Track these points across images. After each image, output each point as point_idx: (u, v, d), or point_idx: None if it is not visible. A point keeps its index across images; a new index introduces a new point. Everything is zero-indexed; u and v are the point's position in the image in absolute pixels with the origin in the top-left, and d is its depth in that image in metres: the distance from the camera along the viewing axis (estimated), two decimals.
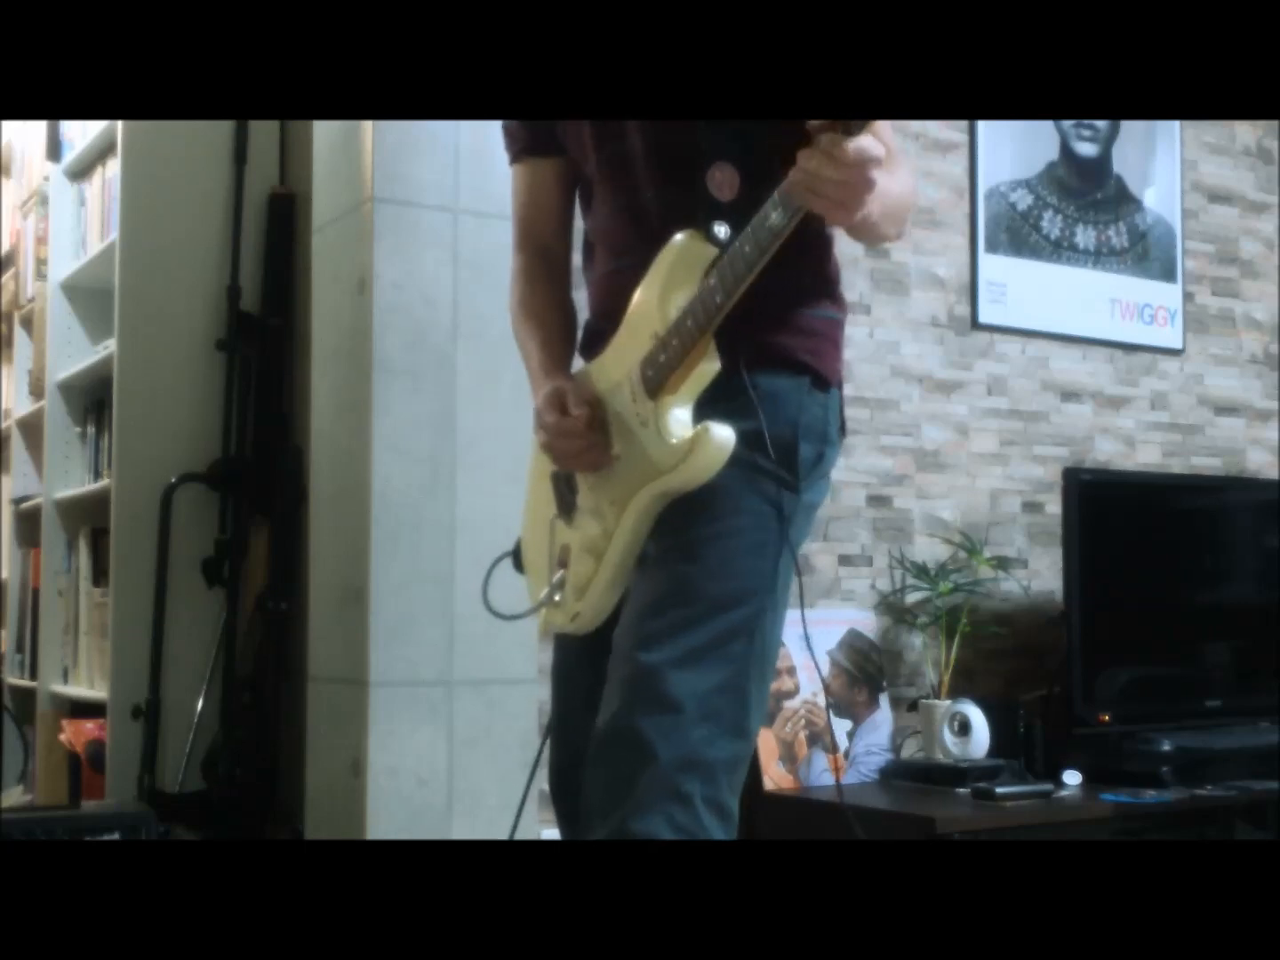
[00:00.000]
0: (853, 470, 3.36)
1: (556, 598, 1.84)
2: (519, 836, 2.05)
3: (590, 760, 1.66)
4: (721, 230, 1.71)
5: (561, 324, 1.93)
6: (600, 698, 1.72)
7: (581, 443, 1.76)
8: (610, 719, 1.64)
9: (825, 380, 1.81)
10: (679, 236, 1.72)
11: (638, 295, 1.76)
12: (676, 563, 1.69)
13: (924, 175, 3.50)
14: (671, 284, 1.72)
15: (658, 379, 1.71)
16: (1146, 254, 3.86)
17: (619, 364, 1.78)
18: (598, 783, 1.64)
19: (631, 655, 1.65)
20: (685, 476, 1.68)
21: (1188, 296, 3.94)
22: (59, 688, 3.53)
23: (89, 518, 3.46)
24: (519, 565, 1.97)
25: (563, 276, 1.97)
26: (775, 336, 1.76)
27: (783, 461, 1.74)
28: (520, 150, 1.95)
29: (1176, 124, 3.93)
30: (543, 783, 1.96)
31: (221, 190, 3.13)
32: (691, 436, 1.67)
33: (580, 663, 1.87)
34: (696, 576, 1.67)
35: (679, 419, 1.70)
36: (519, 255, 1.96)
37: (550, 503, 1.88)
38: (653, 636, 1.64)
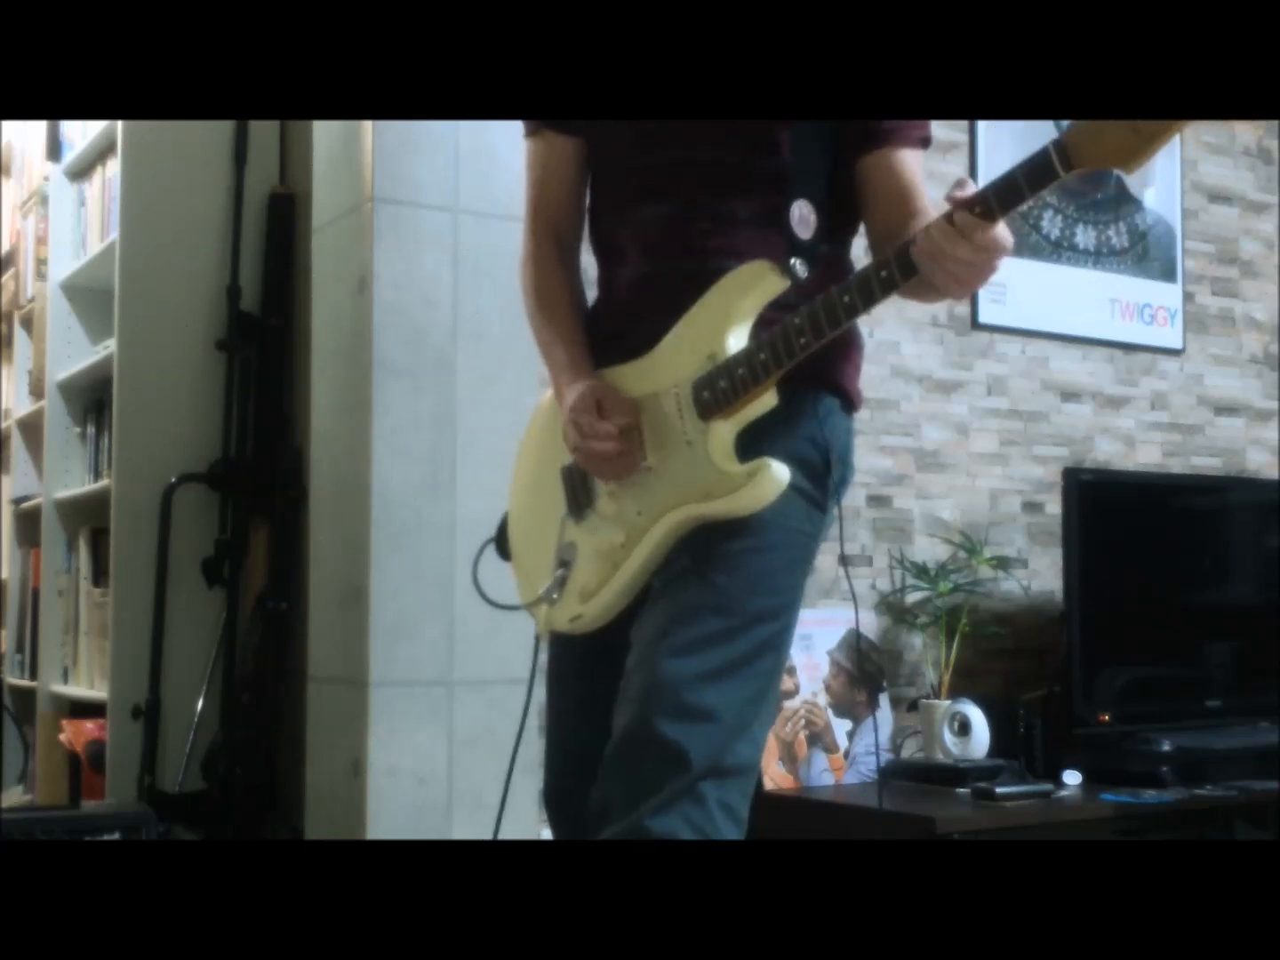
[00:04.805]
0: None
1: (555, 595, 1.83)
2: (517, 836, 2.05)
3: (609, 759, 1.65)
4: (800, 268, 1.71)
5: (577, 314, 1.90)
6: (593, 705, 1.72)
7: (614, 449, 1.74)
8: (635, 721, 1.63)
9: (853, 404, 1.85)
10: (753, 264, 1.71)
11: (693, 310, 1.74)
12: (713, 572, 1.68)
13: (924, 176, 3.48)
14: (736, 310, 1.71)
15: (715, 403, 1.70)
16: (1146, 254, 3.85)
17: (661, 375, 1.76)
18: (617, 782, 1.63)
19: (663, 661, 1.63)
20: (734, 505, 1.68)
21: (1188, 296, 3.94)
22: (59, 688, 3.53)
23: (89, 518, 3.46)
24: (503, 551, 1.95)
25: (574, 261, 1.95)
26: (819, 358, 1.75)
27: (817, 481, 1.76)
28: (540, 123, 1.92)
29: None
30: (540, 783, 1.95)
31: (221, 190, 3.13)
32: (750, 468, 1.67)
33: (574, 669, 1.86)
34: (734, 588, 1.67)
35: (728, 446, 1.70)
36: (531, 237, 1.93)
37: (556, 497, 1.86)
38: (688, 645, 1.64)
